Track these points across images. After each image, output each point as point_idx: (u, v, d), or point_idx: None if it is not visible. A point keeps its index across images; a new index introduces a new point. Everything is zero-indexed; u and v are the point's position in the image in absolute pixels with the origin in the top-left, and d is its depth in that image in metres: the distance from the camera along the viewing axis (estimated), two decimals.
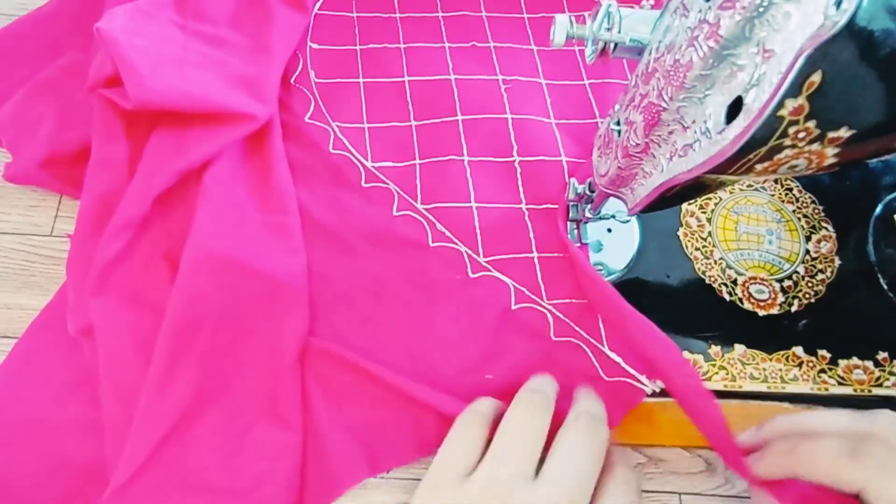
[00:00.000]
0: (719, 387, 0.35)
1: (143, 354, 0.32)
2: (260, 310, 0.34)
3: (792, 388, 0.35)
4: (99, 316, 0.33)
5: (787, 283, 0.38)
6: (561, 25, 0.26)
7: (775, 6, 0.18)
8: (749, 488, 0.29)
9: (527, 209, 0.39)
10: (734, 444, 0.29)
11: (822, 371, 0.35)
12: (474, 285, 0.36)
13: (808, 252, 0.39)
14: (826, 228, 0.39)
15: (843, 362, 0.35)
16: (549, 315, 0.36)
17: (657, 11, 0.25)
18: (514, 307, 0.36)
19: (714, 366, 0.35)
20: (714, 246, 0.38)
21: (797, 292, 0.37)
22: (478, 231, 0.38)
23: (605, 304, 0.35)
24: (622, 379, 0.34)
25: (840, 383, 0.35)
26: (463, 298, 0.36)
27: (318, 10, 0.46)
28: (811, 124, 0.19)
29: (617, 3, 0.25)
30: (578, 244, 0.37)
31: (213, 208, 0.35)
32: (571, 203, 0.37)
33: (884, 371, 0.35)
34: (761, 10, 0.19)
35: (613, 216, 0.36)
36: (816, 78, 0.18)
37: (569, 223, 0.37)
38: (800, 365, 0.35)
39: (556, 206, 0.39)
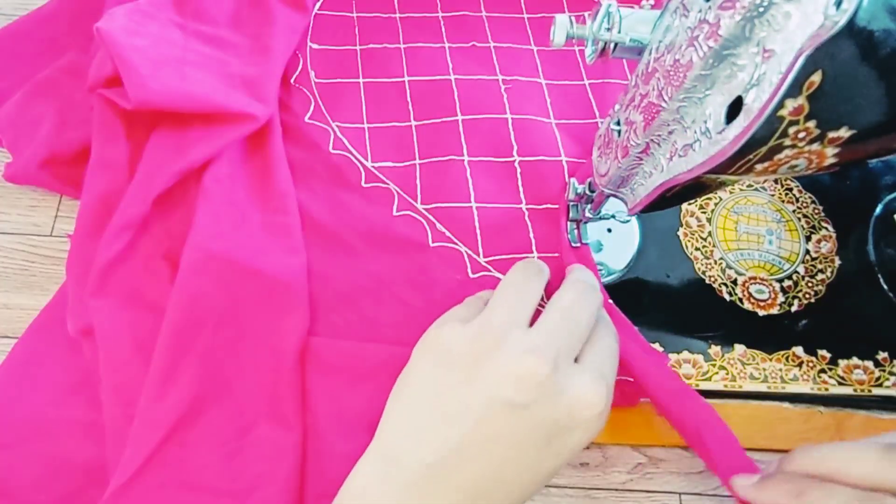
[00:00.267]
0: (719, 387, 0.35)
1: (143, 355, 0.32)
2: (260, 310, 0.34)
3: (792, 388, 0.35)
4: (99, 316, 0.33)
5: (787, 283, 0.38)
6: (561, 25, 0.26)
7: (775, 6, 0.18)
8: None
9: (527, 209, 0.39)
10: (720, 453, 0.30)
11: (822, 371, 0.35)
12: (474, 285, 0.36)
13: (808, 252, 0.39)
14: (826, 228, 0.39)
15: (843, 362, 0.35)
16: None
17: (657, 11, 0.25)
18: None
19: (714, 366, 0.35)
20: (714, 246, 0.38)
21: (797, 292, 0.37)
22: (478, 231, 0.38)
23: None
24: (622, 378, 0.34)
25: (840, 383, 0.35)
26: (463, 298, 0.36)
27: (318, 10, 0.46)
28: (811, 124, 0.19)
29: (617, 3, 0.25)
30: (578, 244, 0.37)
31: (212, 208, 0.35)
32: (571, 203, 0.37)
33: (884, 371, 0.35)
34: (761, 10, 0.19)
35: (613, 216, 0.36)
36: (816, 78, 0.18)
37: (569, 223, 0.37)
38: (800, 365, 0.35)
39: (556, 207, 0.39)
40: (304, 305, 0.34)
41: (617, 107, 0.30)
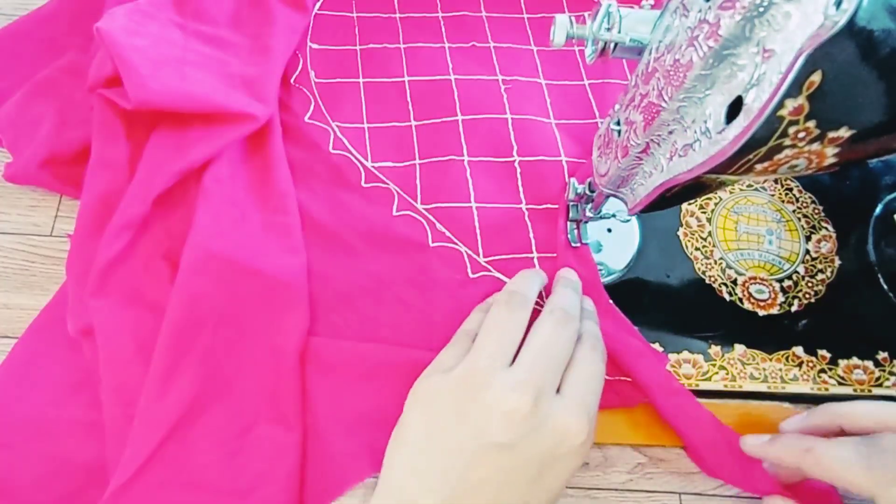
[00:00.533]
0: (719, 387, 0.35)
1: (144, 355, 0.32)
2: (260, 309, 0.34)
3: (792, 388, 0.35)
4: (99, 316, 0.33)
5: (787, 283, 0.38)
6: (561, 25, 0.26)
7: (775, 6, 0.18)
8: None
9: (527, 209, 0.39)
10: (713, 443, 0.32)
11: (822, 371, 0.35)
12: (474, 285, 0.36)
13: (808, 252, 0.39)
14: (826, 228, 0.39)
15: (843, 362, 0.35)
16: None
17: (657, 11, 0.25)
18: None
19: (714, 366, 0.35)
20: (714, 246, 0.38)
21: (797, 292, 0.37)
22: (478, 231, 0.38)
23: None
24: (620, 378, 0.34)
25: (840, 383, 0.35)
26: (463, 298, 0.36)
27: (318, 10, 0.46)
28: (811, 124, 0.19)
29: (617, 3, 0.25)
30: (578, 244, 0.37)
31: (212, 208, 0.35)
32: (571, 203, 0.37)
33: (884, 371, 0.35)
34: (761, 10, 0.19)
35: (614, 215, 0.36)
36: (816, 78, 0.18)
37: (569, 223, 0.37)
38: (800, 365, 0.35)
39: (556, 207, 0.39)
40: (304, 305, 0.34)
41: (617, 107, 0.30)
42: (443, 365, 0.29)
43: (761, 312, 0.37)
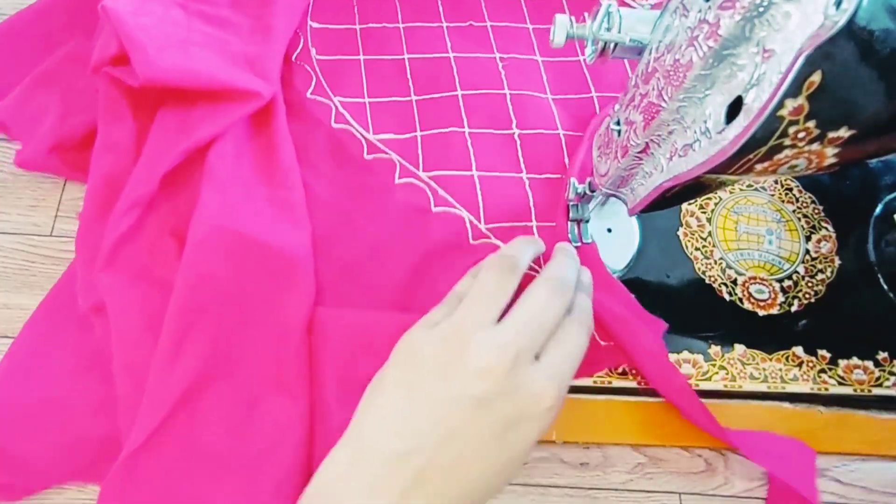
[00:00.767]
0: (719, 387, 0.35)
1: (153, 332, 0.33)
2: (266, 283, 0.34)
3: (792, 388, 0.35)
4: (108, 292, 0.33)
5: (787, 283, 0.38)
6: (561, 25, 0.26)
7: (775, 6, 0.18)
8: None
9: (527, 178, 0.39)
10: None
11: (822, 371, 0.35)
12: (475, 252, 0.37)
13: (808, 252, 0.39)
14: (826, 228, 0.39)
15: (843, 362, 0.35)
16: None
17: (657, 11, 0.25)
18: None
19: (714, 366, 0.35)
20: (714, 246, 0.38)
21: (797, 292, 0.37)
22: (480, 197, 0.38)
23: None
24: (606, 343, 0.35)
25: (840, 383, 0.35)
26: (464, 265, 0.36)
27: None
28: (811, 124, 0.19)
29: (617, 3, 0.25)
30: (578, 244, 0.37)
31: (218, 185, 0.36)
32: (571, 203, 0.37)
33: (884, 371, 0.35)
34: (761, 9, 0.19)
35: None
36: (816, 78, 0.18)
37: (569, 223, 0.37)
38: (800, 365, 0.35)
39: (555, 176, 0.39)
40: (309, 278, 0.34)
41: (617, 107, 0.30)
42: (429, 321, 0.30)
43: (761, 312, 0.37)
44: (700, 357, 0.35)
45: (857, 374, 0.35)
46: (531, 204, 0.38)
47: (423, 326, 0.30)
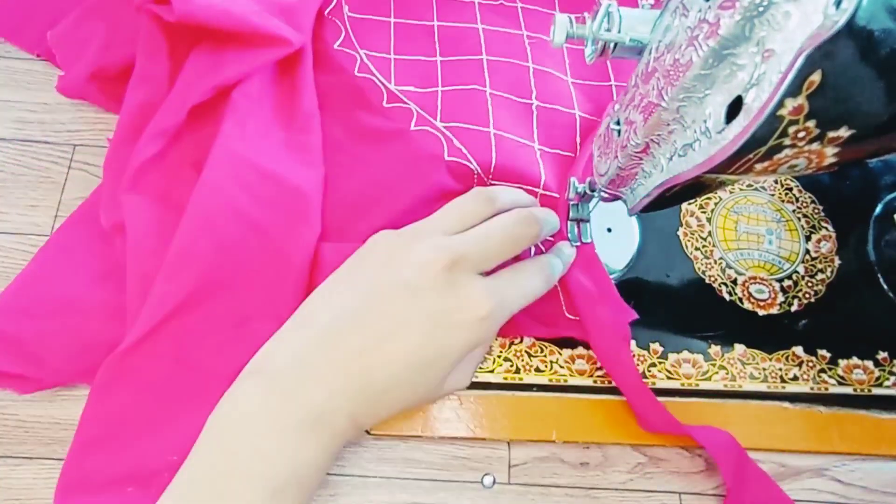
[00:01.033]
0: (719, 387, 0.35)
1: (165, 245, 0.34)
2: (274, 212, 0.35)
3: (792, 388, 0.35)
4: (129, 211, 0.35)
5: (787, 282, 0.38)
6: (561, 25, 0.26)
7: (775, 6, 0.18)
8: None
9: (539, 149, 0.40)
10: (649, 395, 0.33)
11: (822, 371, 0.35)
12: None
13: (808, 252, 0.39)
14: (826, 228, 0.39)
15: (843, 362, 0.35)
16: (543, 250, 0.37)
17: (657, 11, 0.25)
18: None
19: (714, 366, 0.35)
20: (714, 246, 0.38)
21: (797, 292, 0.37)
22: (493, 154, 0.38)
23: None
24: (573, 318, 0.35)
25: (840, 383, 0.35)
26: None
27: None
28: (811, 124, 0.19)
29: (617, 3, 0.25)
30: (578, 243, 0.37)
31: (238, 118, 0.37)
32: (572, 203, 0.37)
33: (884, 371, 0.35)
34: (761, 9, 0.19)
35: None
36: (816, 77, 0.18)
37: (569, 223, 0.37)
38: (800, 365, 0.35)
39: (567, 154, 0.39)
40: (316, 216, 0.36)
41: (617, 106, 0.30)
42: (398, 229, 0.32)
43: (761, 312, 0.37)
44: (700, 357, 0.35)
45: (857, 373, 0.35)
46: (542, 172, 0.38)
47: (388, 230, 0.32)
